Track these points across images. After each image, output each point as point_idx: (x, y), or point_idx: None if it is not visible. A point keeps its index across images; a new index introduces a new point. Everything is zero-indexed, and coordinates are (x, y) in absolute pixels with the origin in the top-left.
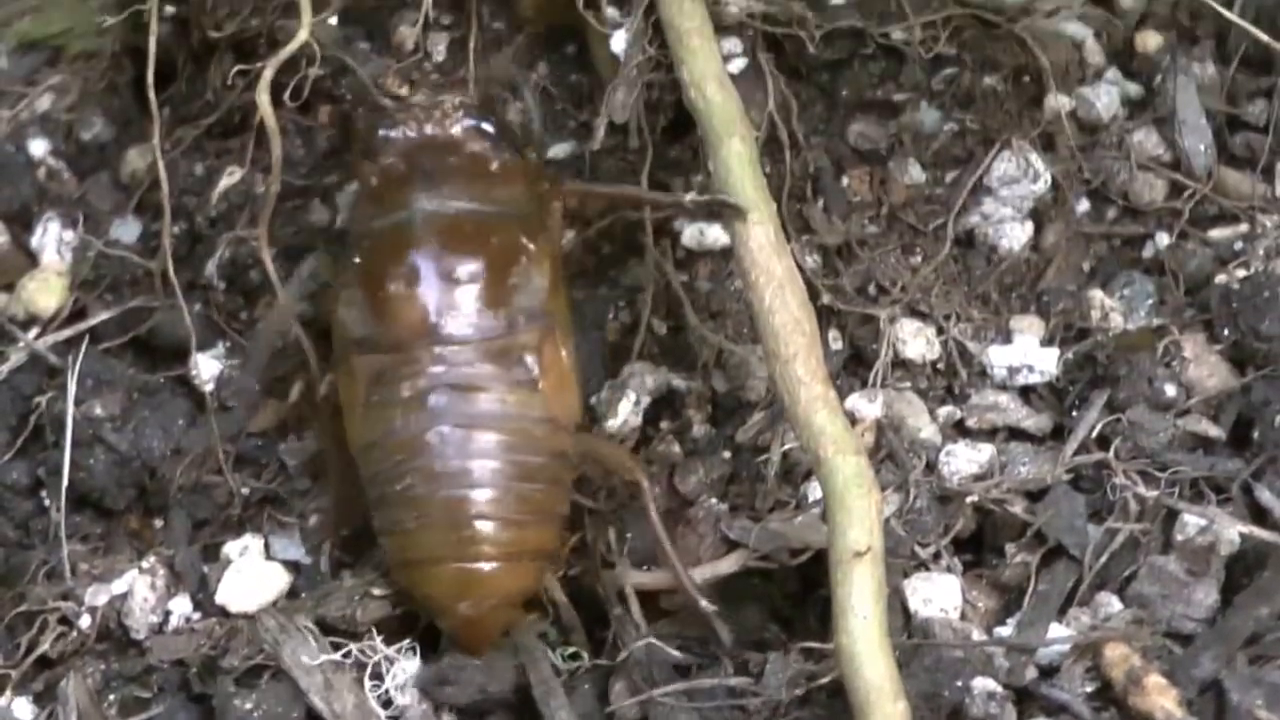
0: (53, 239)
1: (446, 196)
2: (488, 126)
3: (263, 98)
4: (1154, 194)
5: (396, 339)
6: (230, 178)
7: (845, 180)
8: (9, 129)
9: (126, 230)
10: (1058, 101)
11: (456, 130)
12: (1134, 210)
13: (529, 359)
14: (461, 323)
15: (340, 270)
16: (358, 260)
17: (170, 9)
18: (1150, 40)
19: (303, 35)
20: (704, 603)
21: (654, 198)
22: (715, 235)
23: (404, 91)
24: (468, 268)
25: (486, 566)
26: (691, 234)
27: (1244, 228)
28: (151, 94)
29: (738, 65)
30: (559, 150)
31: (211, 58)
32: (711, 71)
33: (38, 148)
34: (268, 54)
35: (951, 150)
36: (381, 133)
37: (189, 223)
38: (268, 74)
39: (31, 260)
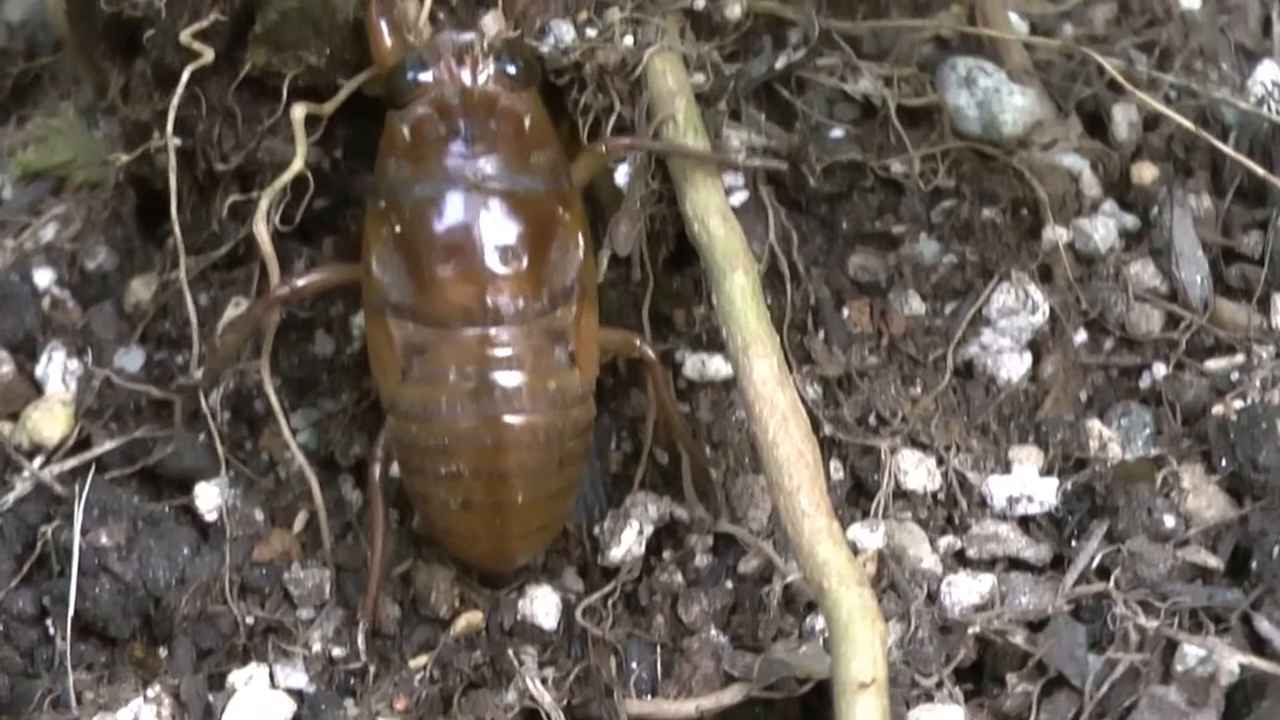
0: (57, 368)
1: (488, 168)
2: (514, 69)
3: (259, 227)
4: (1151, 325)
5: (441, 317)
6: (235, 308)
7: (846, 311)
8: (13, 258)
9: (130, 359)
10: (1055, 233)
11: (487, 77)
12: (1131, 341)
13: (569, 335)
14: (508, 305)
15: (372, 225)
16: (397, 229)
17: (176, 141)
18: (1146, 172)
19: (297, 165)
20: (715, 472)
21: (697, 151)
22: (717, 366)
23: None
24: (514, 247)
25: (522, 540)
26: (693, 365)
27: (1240, 359)
28: (176, 228)
29: (739, 198)
30: None
31: (216, 189)
32: (714, 205)
33: (42, 277)
34: (271, 181)
35: (951, 282)
36: (410, 76)
37: (196, 353)
38: (264, 204)
39: (36, 389)
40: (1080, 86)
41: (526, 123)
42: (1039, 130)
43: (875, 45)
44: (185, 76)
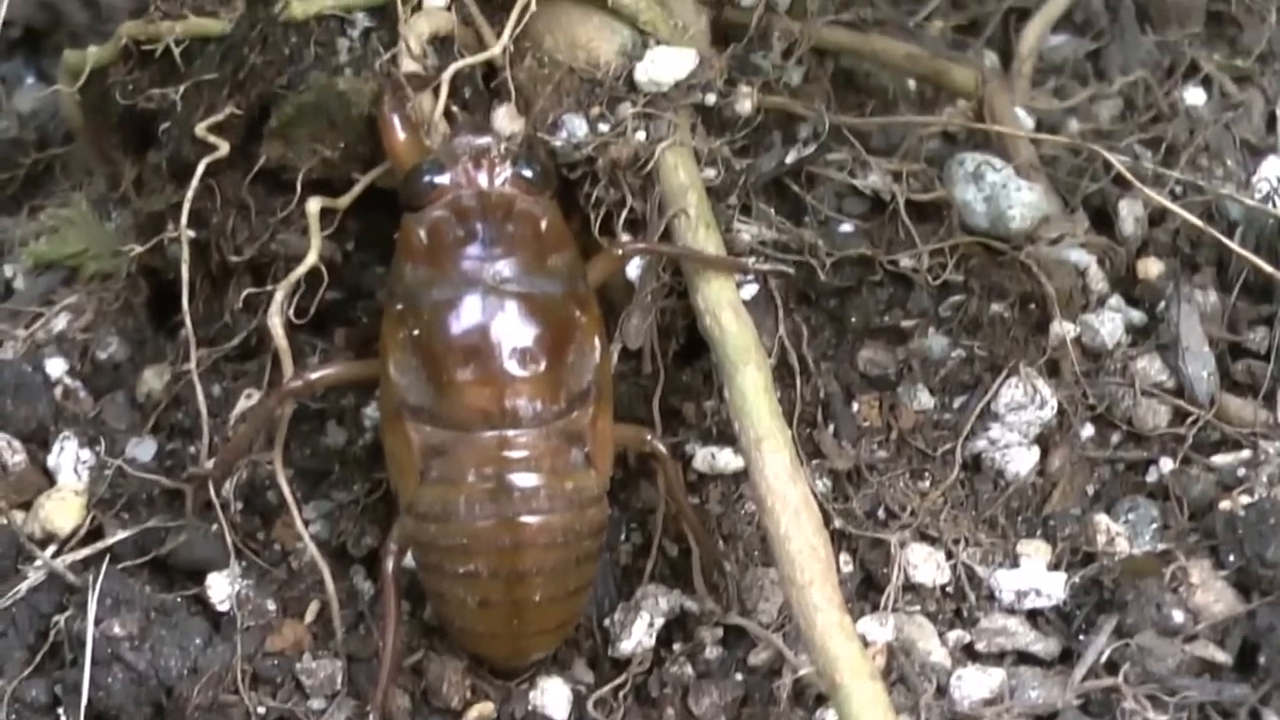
0: (70, 458)
1: (506, 271)
2: (531, 173)
3: (274, 320)
4: (1157, 420)
5: (459, 420)
6: (247, 400)
7: (855, 405)
8: (25, 348)
9: (142, 450)
10: (1062, 328)
11: (504, 180)
12: (1138, 436)
13: (585, 436)
14: (526, 407)
15: (389, 328)
16: (415, 333)
17: (190, 233)
18: (1152, 267)
19: (311, 258)
20: (729, 565)
21: (710, 256)
22: (727, 459)
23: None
24: (532, 351)
25: (538, 638)
26: (703, 458)
27: (1247, 454)
28: (188, 320)
29: (749, 291)
30: None
31: (229, 281)
32: (726, 299)
33: (54, 367)
34: (284, 278)
35: (959, 376)
36: (427, 179)
37: (208, 442)
38: (278, 297)
39: (49, 479)
40: (1087, 182)
41: (543, 225)
42: (1046, 225)
43: (884, 140)
44: (200, 169)
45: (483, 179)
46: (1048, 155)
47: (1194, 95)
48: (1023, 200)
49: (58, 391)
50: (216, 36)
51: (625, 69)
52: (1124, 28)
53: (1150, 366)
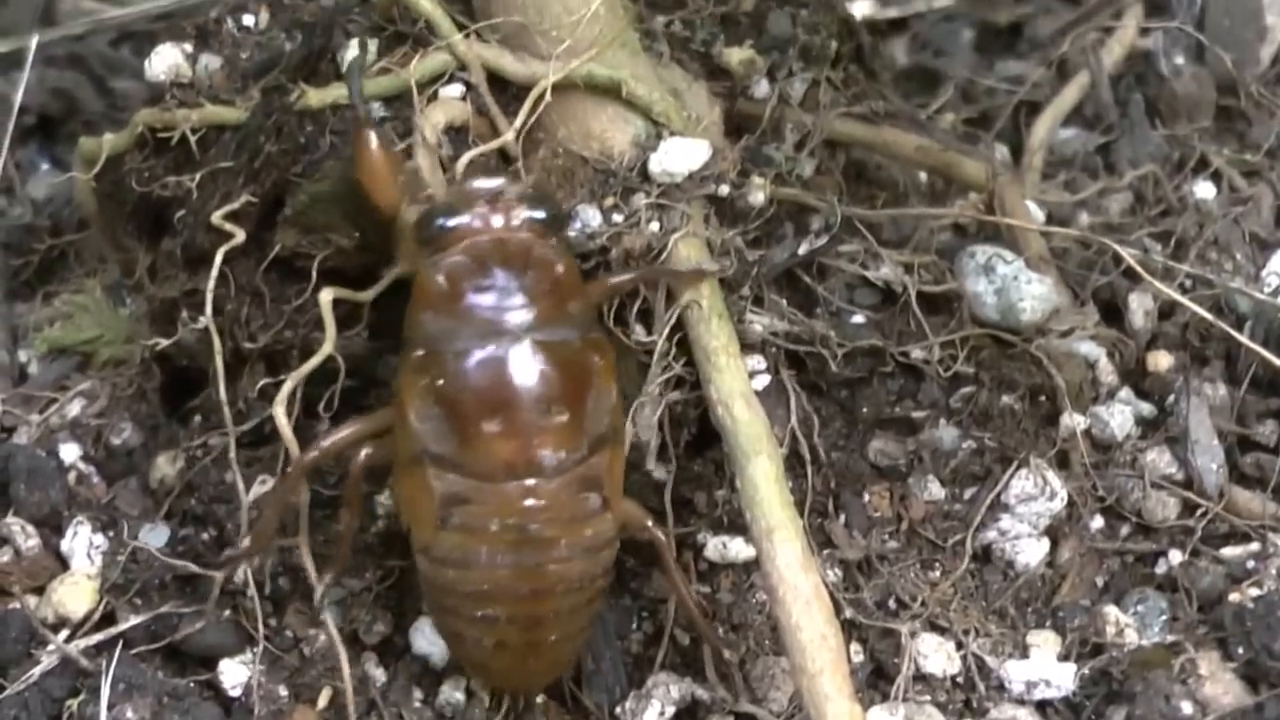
0: (83, 543)
1: (527, 319)
2: (545, 216)
3: (278, 409)
4: (1166, 512)
5: (484, 471)
6: (261, 486)
7: (866, 496)
8: (39, 434)
9: (155, 535)
10: (1072, 421)
11: (519, 223)
12: (1147, 528)
13: (602, 480)
14: (550, 458)
15: (408, 374)
16: (439, 382)
17: (203, 319)
18: (1161, 360)
19: (327, 349)
20: (728, 653)
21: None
22: (738, 548)
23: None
24: (556, 400)
25: (550, 673)
26: (714, 547)
27: (1255, 547)
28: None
29: (761, 382)
30: None
31: (243, 368)
32: (738, 390)
33: (68, 453)
34: (300, 365)
35: (969, 468)
36: (440, 222)
37: (219, 530)
38: (287, 387)
39: (62, 564)
40: (1097, 275)
41: (559, 270)
42: (1057, 318)
43: (895, 232)
44: (219, 257)
45: (498, 222)
46: (1058, 248)
47: (1203, 189)
48: (1033, 293)
49: (71, 477)
50: (232, 125)
51: (639, 160)
52: (1134, 122)
53: (1160, 459)
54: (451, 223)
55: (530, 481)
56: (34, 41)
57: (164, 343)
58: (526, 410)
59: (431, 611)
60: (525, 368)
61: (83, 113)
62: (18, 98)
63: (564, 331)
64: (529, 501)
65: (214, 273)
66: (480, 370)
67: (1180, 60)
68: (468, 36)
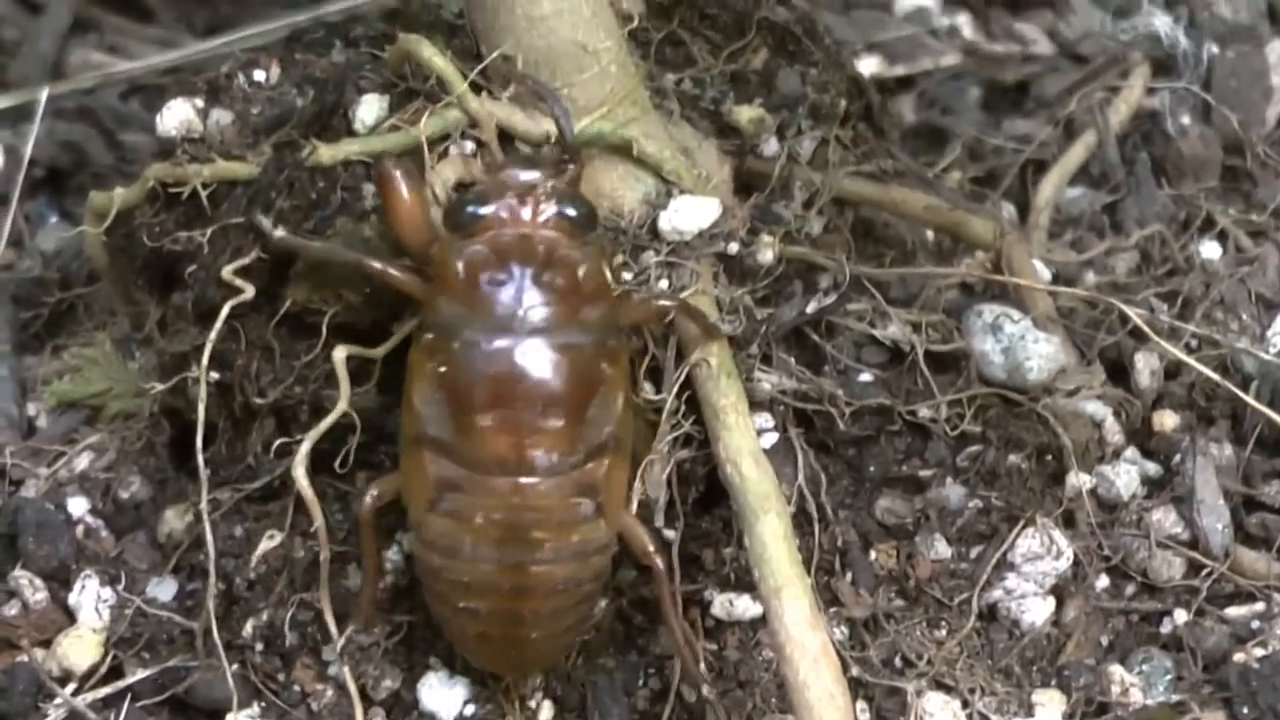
0: (90, 597)
1: (540, 318)
2: (575, 213)
3: (298, 471)
4: (1172, 572)
5: (476, 461)
6: (270, 541)
7: (872, 554)
8: (47, 487)
9: (163, 590)
10: (1079, 480)
11: (547, 219)
12: (1152, 587)
13: (598, 487)
14: (543, 459)
15: (418, 356)
16: (442, 369)
17: (214, 374)
18: (1167, 420)
19: (341, 406)
20: (707, 688)
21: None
22: (745, 606)
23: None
24: (555, 402)
25: (536, 663)
26: (721, 604)
27: (1260, 607)
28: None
29: (769, 440)
30: None
31: (253, 423)
32: (747, 448)
33: (76, 506)
34: (309, 421)
35: (976, 526)
36: (470, 209)
37: (227, 584)
38: (305, 447)
39: (69, 617)
40: (1103, 334)
41: (581, 273)
42: (1063, 377)
43: (903, 290)
44: (225, 311)
45: (525, 215)
46: (1065, 307)
47: (1209, 249)
48: (1040, 352)
49: (79, 530)
50: (244, 180)
51: (649, 217)
52: (1140, 181)
53: (1165, 519)
54: (480, 211)
55: (520, 479)
56: (44, 94)
57: (161, 389)
58: (523, 408)
59: (425, 594)
60: (526, 366)
61: (92, 166)
62: (27, 151)
63: (575, 335)
64: (516, 498)
65: (218, 325)
66: (482, 362)
67: (1187, 120)
68: (479, 93)
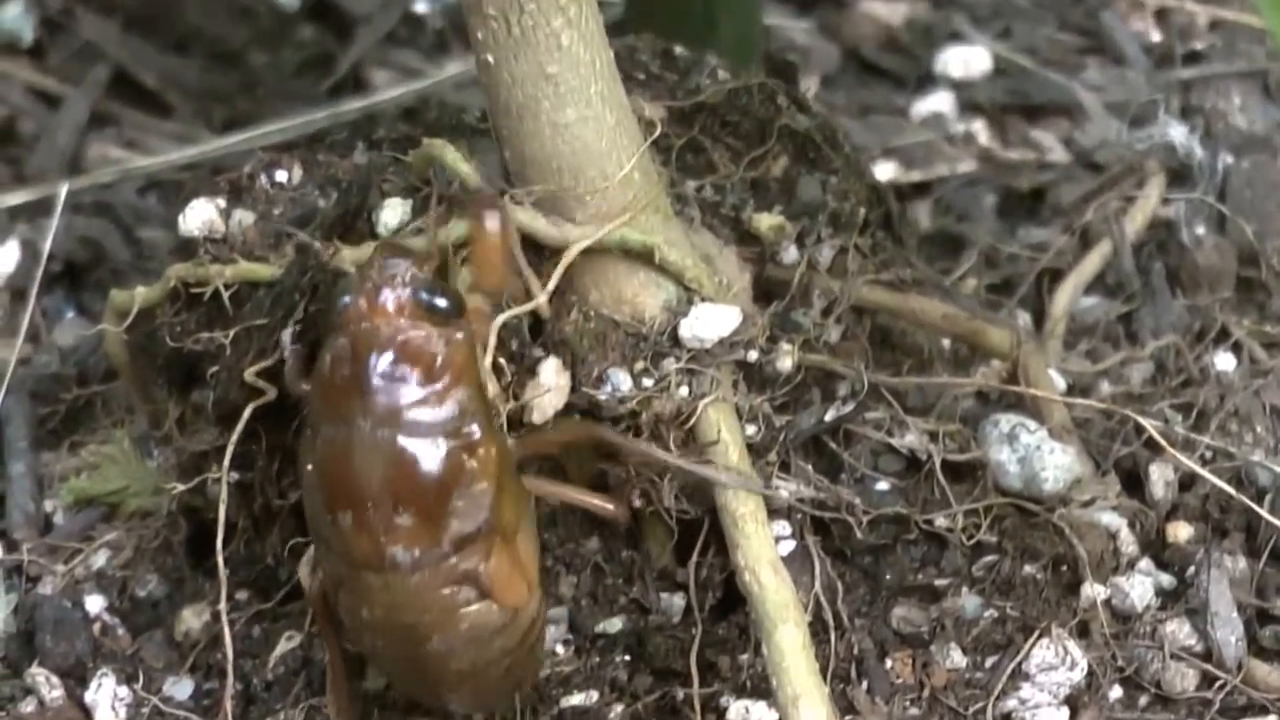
0: (107, 695)
1: (388, 413)
2: (439, 301)
3: (303, 570)
4: (1185, 684)
5: (349, 559)
6: (289, 642)
7: (888, 662)
8: (64, 584)
9: (180, 689)
10: (1093, 591)
11: (403, 308)
12: (1166, 699)
13: (480, 572)
14: (404, 556)
15: (302, 449)
16: (309, 466)
17: (234, 475)
18: (1181, 531)
19: None
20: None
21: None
22: (761, 713)
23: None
24: (409, 500)
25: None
26: (737, 711)
27: (1273, 719)
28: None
29: (786, 547)
30: (609, 626)
31: (272, 523)
32: (766, 557)
33: (93, 604)
34: None
35: (991, 636)
36: (341, 300)
37: (245, 685)
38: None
39: (86, 715)
40: (1119, 445)
41: (438, 362)
42: (1079, 488)
43: (920, 398)
44: (247, 414)
45: (388, 305)
46: (1080, 417)
47: (1224, 360)
48: (1056, 463)
49: (96, 628)
50: (266, 282)
51: (670, 324)
52: (1155, 291)
53: (1179, 630)
54: (344, 301)
55: (389, 576)
56: (63, 190)
57: (180, 488)
58: (373, 506)
59: None
60: (372, 462)
61: (110, 261)
62: (46, 246)
63: (428, 427)
64: (387, 595)
65: (240, 427)
66: (334, 459)
67: (1201, 230)
68: (503, 199)
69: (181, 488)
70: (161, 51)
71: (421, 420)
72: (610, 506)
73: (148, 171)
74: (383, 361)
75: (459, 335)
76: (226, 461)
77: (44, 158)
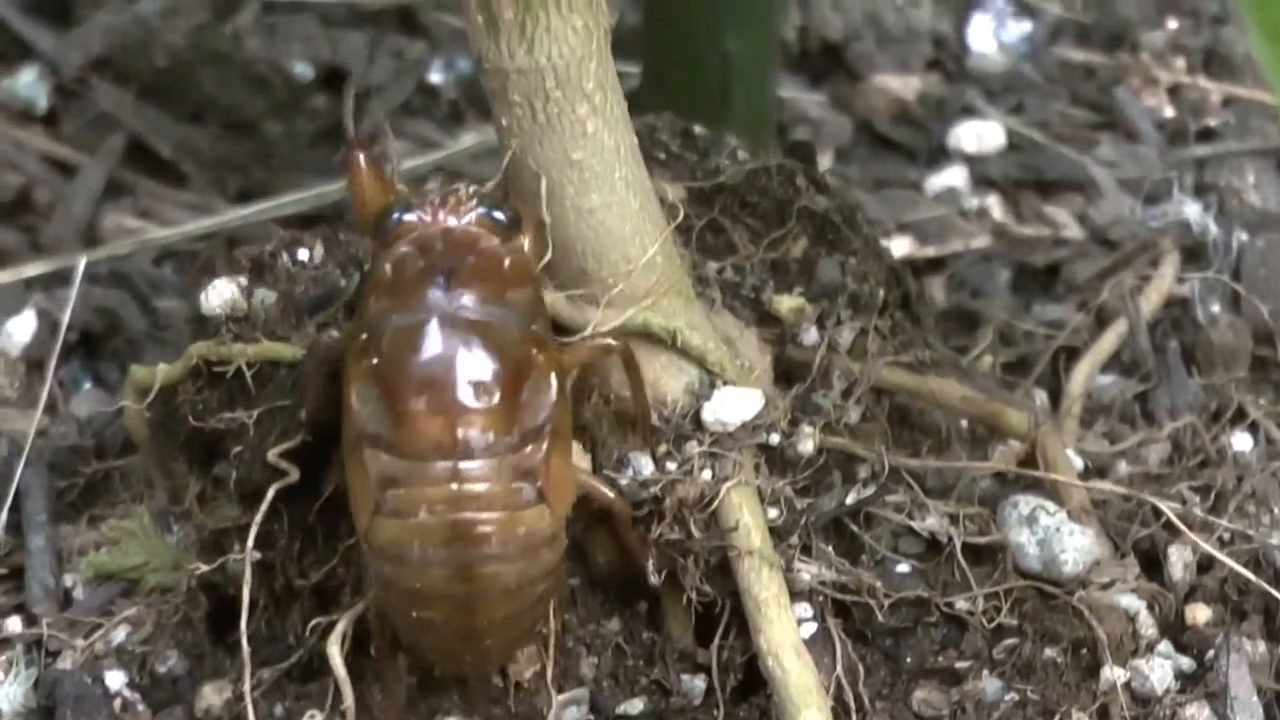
0: None
1: (464, 301)
2: (499, 214)
3: (333, 649)
4: None
5: (414, 450)
6: None
7: None
8: (85, 659)
9: None
10: (1113, 674)
11: (470, 220)
12: None
13: (538, 472)
14: (479, 439)
15: (353, 361)
16: (374, 361)
17: (256, 555)
18: (1200, 613)
19: None
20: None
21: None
22: None
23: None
24: (487, 382)
25: (490, 666)
26: None
27: None
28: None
29: (807, 629)
30: (630, 707)
31: (294, 602)
32: (789, 641)
33: (113, 679)
34: (351, 600)
35: (1012, 719)
36: (396, 216)
37: None
38: (341, 626)
39: None
40: (1137, 527)
41: (506, 264)
42: (1098, 570)
43: (939, 479)
44: (270, 494)
45: (449, 218)
46: (1097, 498)
47: (1241, 441)
48: (1076, 545)
49: (117, 704)
50: (289, 361)
51: (692, 408)
52: (1171, 370)
53: (1199, 714)
54: (404, 217)
55: (460, 464)
56: (82, 262)
57: (201, 566)
58: (455, 389)
59: (380, 606)
60: (456, 346)
61: (126, 331)
62: (65, 317)
63: (501, 316)
64: (455, 484)
65: (264, 508)
66: (412, 347)
67: (1216, 308)
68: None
69: (205, 568)
70: (177, 121)
71: (498, 310)
72: (613, 495)
73: (164, 242)
74: (456, 258)
75: (521, 244)
76: (250, 541)
77: (59, 227)
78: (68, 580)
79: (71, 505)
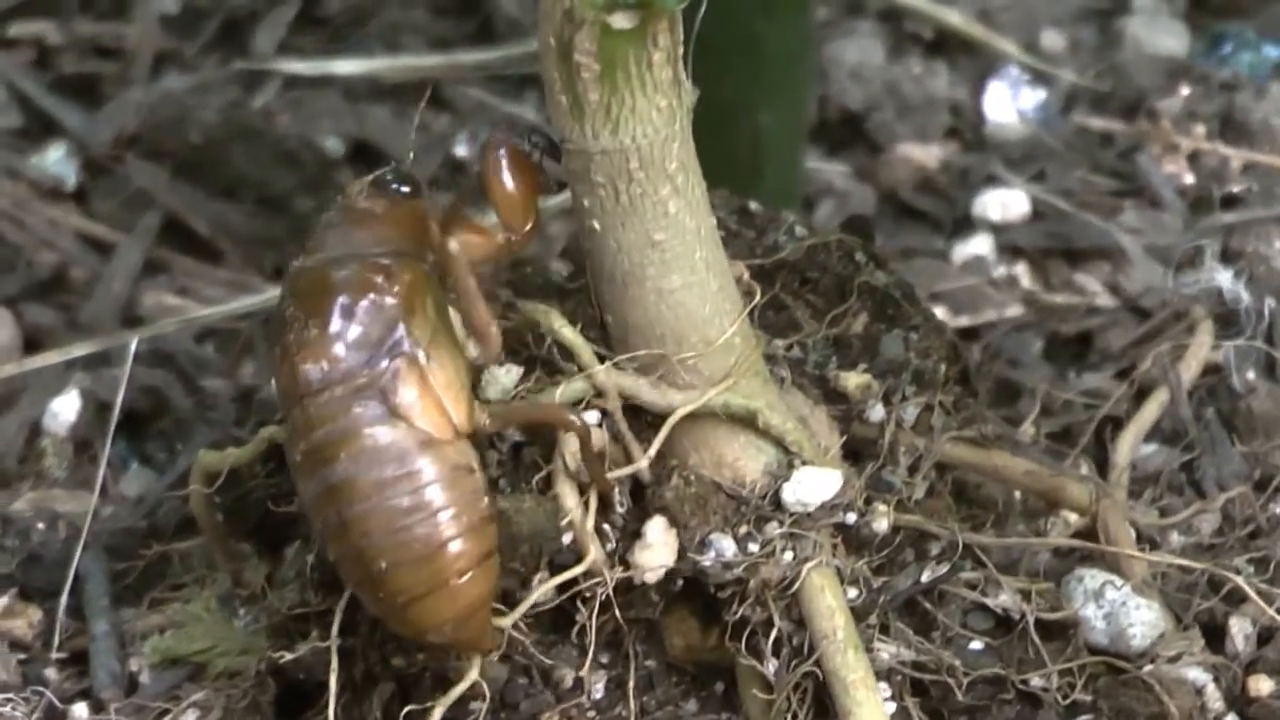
0: None
1: (313, 251)
2: (388, 178)
3: None
4: None
5: (282, 398)
6: None
7: None
8: None
9: None
10: None
11: (362, 188)
12: None
13: (388, 391)
14: (318, 372)
15: None
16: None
17: (338, 641)
18: (1264, 685)
19: (473, 675)
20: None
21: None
22: None
23: None
24: (318, 315)
25: (414, 628)
26: None
27: None
28: None
29: (887, 709)
30: None
31: (373, 688)
32: None
33: None
34: (433, 688)
35: None
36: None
37: None
38: (436, 714)
39: None
40: (1198, 599)
41: (360, 206)
42: (1163, 643)
43: (1003, 556)
44: None
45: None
46: (1155, 571)
47: None
48: (1143, 619)
49: None
50: None
51: (771, 488)
52: (1214, 439)
53: None
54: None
55: (307, 401)
56: (133, 343)
57: (276, 653)
58: (293, 330)
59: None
60: (294, 291)
61: (173, 411)
62: (119, 398)
63: (340, 256)
64: (311, 419)
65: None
66: (275, 304)
67: (1252, 375)
68: (602, 363)
69: (288, 655)
70: (210, 197)
71: (339, 248)
72: (573, 418)
73: (206, 321)
74: (329, 219)
75: (411, 205)
76: (335, 629)
77: (99, 306)
78: (133, 665)
79: (129, 588)
